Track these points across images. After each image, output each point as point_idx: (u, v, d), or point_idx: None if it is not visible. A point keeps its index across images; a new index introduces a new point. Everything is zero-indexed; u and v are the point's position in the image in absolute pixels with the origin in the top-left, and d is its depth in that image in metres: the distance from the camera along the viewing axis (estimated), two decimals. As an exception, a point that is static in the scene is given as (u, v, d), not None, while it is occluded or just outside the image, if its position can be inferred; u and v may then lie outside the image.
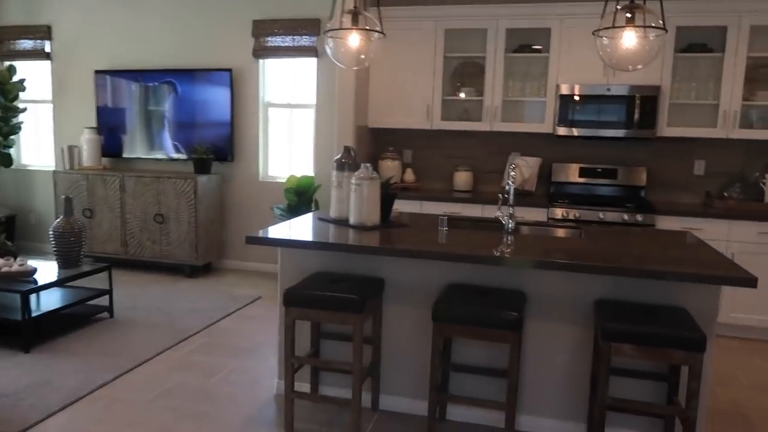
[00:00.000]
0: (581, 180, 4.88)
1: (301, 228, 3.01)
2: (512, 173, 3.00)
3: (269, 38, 5.50)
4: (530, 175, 4.89)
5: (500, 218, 3.06)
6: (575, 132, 4.56)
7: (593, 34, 2.74)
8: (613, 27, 2.57)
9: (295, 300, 2.64)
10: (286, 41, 5.45)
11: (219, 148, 5.71)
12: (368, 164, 3.00)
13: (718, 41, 4.45)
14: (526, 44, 4.82)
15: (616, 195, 4.82)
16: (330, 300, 2.59)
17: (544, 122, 4.72)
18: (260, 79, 5.67)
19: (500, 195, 3.12)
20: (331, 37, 2.87)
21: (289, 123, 5.75)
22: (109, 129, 6.04)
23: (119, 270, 5.75)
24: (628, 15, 2.59)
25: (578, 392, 2.79)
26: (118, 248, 5.73)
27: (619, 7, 2.63)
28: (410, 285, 2.92)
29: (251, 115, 5.72)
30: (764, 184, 4.42)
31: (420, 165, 5.33)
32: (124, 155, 6.04)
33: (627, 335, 2.33)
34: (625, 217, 4.32)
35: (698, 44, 4.46)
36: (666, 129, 4.48)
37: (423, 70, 4.89)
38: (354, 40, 2.85)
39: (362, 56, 2.88)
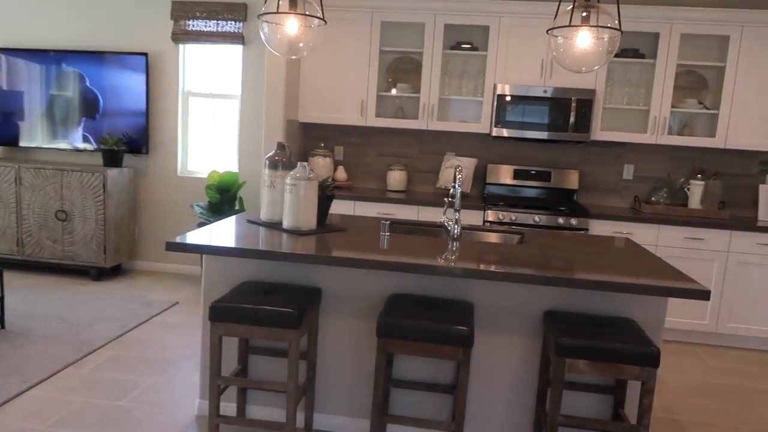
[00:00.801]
0: (515, 182, 4.83)
1: (227, 232, 2.70)
2: (459, 176, 2.83)
3: (190, 21, 5.07)
4: (465, 176, 4.78)
5: (446, 223, 2.89)
6: (511, 133, 4.49)
7: (547, 32, 2.62)
8: (570, 26, 2.45)
9: (223, 315, 2.34)
10: (209, 26, 5.04)
11: (132, 140, 5.22)
12: (305, 163, 2.73)
13: (651, 48, 4.51)
14: (464, 41, 4.70)
15: (549, 197, 4.80)
16: (263, 314, 2.32)
17: (480, 122, 4.62)
18: (180, 66, 5.22)
19: (446, 199, 2.95)
20: (266, 21, 2.58)
21: (212, 114, 5.34)
22: (3, 114, 5.37)
23: (13, 272, 5.14)
24: (584, 14, 2.48)
25: (524, 406, 2.66)
26: (12, 248, 5.11)
27: (575, 5, 2.52)
28: (350, 295, 2.69)
29: (169, 104, 5.27)
30: (688, 189, 4.54)
31: (352, 163, 5.10)
32: (21, 144, 5.40)
33: (581, 351, 2.22)
34: (560, 220, 4.29)
35: (632, 49, 4.50)
36: (599, 133, 4.49)
37: (358, 64, 4.66)
38: (291, 26, 2.57)
39: (300, 44, 2.61)
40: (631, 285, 2.23)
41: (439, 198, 4.59)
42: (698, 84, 4.61)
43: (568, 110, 4.41)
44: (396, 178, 4.85)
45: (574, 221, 4.28)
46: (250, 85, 5.10)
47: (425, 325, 2.27)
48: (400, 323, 2.28)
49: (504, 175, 4.84)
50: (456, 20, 4.52)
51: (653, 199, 4.66)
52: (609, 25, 2.40)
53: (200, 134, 5.37)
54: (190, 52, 5.25)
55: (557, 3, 4.38)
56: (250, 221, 2.98)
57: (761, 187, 4.57)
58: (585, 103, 4.40)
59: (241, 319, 2.33)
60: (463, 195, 4.79)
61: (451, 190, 2.99)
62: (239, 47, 5.10)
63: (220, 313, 2.34)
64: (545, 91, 4.42)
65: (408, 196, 4.61)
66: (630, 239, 3.23)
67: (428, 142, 5.00)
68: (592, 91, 4.39)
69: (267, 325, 2.32)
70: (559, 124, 4.44)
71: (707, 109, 4.50)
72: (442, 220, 2.90)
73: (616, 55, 4.49)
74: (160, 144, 5.32)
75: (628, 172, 4.82)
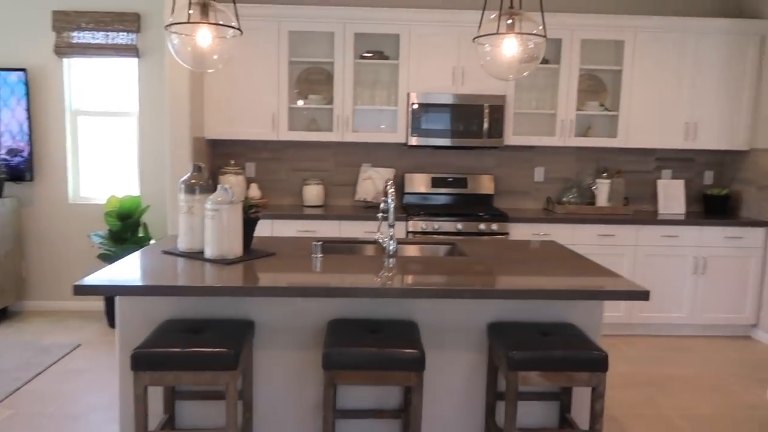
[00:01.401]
0: (433, 190, 4.82)
1: (142, 267, 2.43)
2: (390, 189, 2.73)
3: (75, 33, 4.62)
4: (383, 186, 4.70)
5: (380, 240, 2.77)
6: (427, 141, 4.47)
7: (473, 41, 2.58)
8: (497, 33, 2.43)
9: (147, 362, 2.07)
10: (98, 38, 4.62)
11: (13, 166, 4.67)
12: (226, 185, 2.51)
13: (555, 54, 4.67)
14: (375, 50, 4.63)
15: (467, 203, 4.83)
16: (194, 358, 2.08)
17: (396, 132, 4.56)
18: (65, 82, 4.74)
19: (379, 216, 2.83)
20: (175, 33, 2.35)
21: (106, 134, 4.90)
22: None
23: None
24: (509, 21, 2.46)
25: (474, 422, 2.60)
26: None
27: (500, 13, 2.50)
28: (286, 325, 2.50)
29: (55, 124, 4.77)
30: (595, 188, 4.74)
31: (265, 179, 4.87)
32: None
33: (533, 363, 2.18)
34: (481, 226, 4.32)
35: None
36: (512, 137, 4.58)
37: (266, 75, 4.45)
38: (204, 37, 2.35)
39: (214, 57, 2.40)
40: (577, 292, 2.22)
41: (359, 211, 4.48)
42: (598, 87, 4.83)
43: (482, 116, 4.45)
44: (312, 192, 4.68)
45: (494, 226, 4.32)
46: (147, 101, 4.73)
47: (374, 352, 2.14)
48: (348, 353, 2.13)
49: (421, 183, 4.82)
50: (366, 29, 4.43)
51: (564, 199, 4.82)
52: (534, 32, 2.40)
53: (93, 156, 4.91)
54: (76, 66, 4.79)
55: (466, 10, 4.43)
56: (166, 252, 2.70)
57: (659, 182, 4.86)
58: (497, 109, 4.46)
59: (169, 365, 2.08)
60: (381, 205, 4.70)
61: (382, 204, 2.88)
62: (134, 60, 4.71)
63: (144, 361, 2.08)
64: (458, 99, 4.44)
65: (327, 211, 4.46)
66: (555, 242, 3.29)
67: (344, 153, 4.87)
68: (503, 97, 4.46)
69: (200, 368, 2.08)
70: (473, 131, 4.47)
71: (608, 110, 4.73)
72: (376, 236, 2.78)
73: (525, 61, 4.60)
74: (46, 169, 4.80)
75: (539, 174, 4.96)
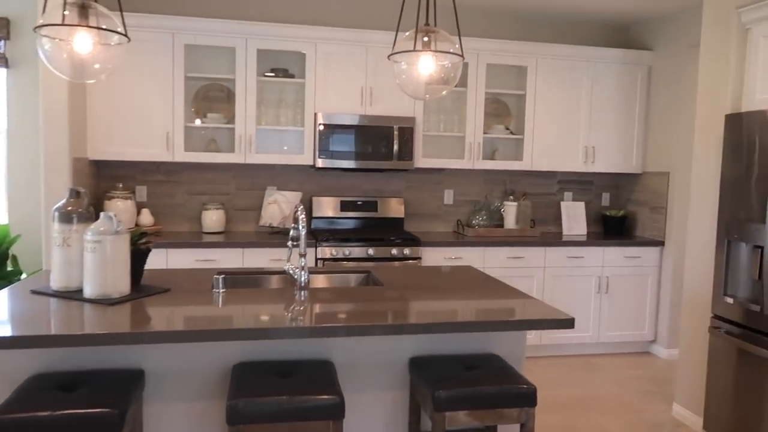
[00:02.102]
0: (342, 214, 4.63)
1: (5, 309, 2.02)
2: (300, 216, 2.50)
3: (-72, 38, 4.01)
4: (291, 211, 4.45)
5: (290, 270, 2.53)
6: (336, 164, 4.28)
7: (389, 58, 2.44)
8: (414, 51, 2.30)
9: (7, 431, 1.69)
10: (-43, 44, 4.04)
11: None
12: (111, 213, 2.18)
13: (461, 77, 4.66)
14: (280, 68, 4.40)
15: (378, 227, 4.68)
16: (68, 422, 1.72)
17: (303, 153, 4.34)
18: None
19: (289, 244, 2.58)
20: (47, 36, 2.00)
21: (-33, 153, 4.27)
22: None
23: None
24: (425, 39, 2.35)
25: (396, 467, 2.40)
26: None
27: (417, 30, 2.37)
28: (183, 374, 2.18)
29: None
30: (503, 210, 4.76)
31: (159, 204, 4.45)
32: None
33: (461, 402, 2.03)
34: (393, 251, 4.18)
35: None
36: (421, 160, 4.51)
37: (160, 91, 4.08)
38: (83, 42, 2.03)
39: (96, 66, 2.07)
40: (504, 323, 2.10)
41: (264, 237, 4.19)
42: (503, 111, 4.89)
43: (391, 138, 4.34)
44: (212, 218, 4.34)
45: (407, 250, 4.19)
46: (19, 116, 4.18)
47: (287, 401, 1.89)
48: (256, 404, 1.87)
49: (330, 207, 4.61)
50: (269, 45, 4.20)
51: (474, 221, 4.80)
52: (451, 50, 2.30)
53: (-49, 179, 4.26)
54: (-71, 76, 4.15)
55: (374, 30, 4.33)
56: (35, 292, 2.30)
57: (562, 204, 4.98)
58: (406, 130, 4.37)
59: (35, 433, 1.71)
60: (289, 231, 4.44)
61: (292, 231, 2.64)
62: (2, 71, 4.16)
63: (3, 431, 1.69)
64: (367, 120, 4.31)
65: (228, 238, 4.13)
66: (471, 266, 3.20)
67: (246, 176, 4.57)
68: (413, 119, 4.38)
69: (74, 435, 1.73)
70: (382, 153, 4.35)
71: (513, 134, 4.79)
72: (286, 267, 2.53)
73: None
74: None
75: (448, 197, 4.92)
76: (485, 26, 4.86)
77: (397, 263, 4.17)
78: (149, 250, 2.46)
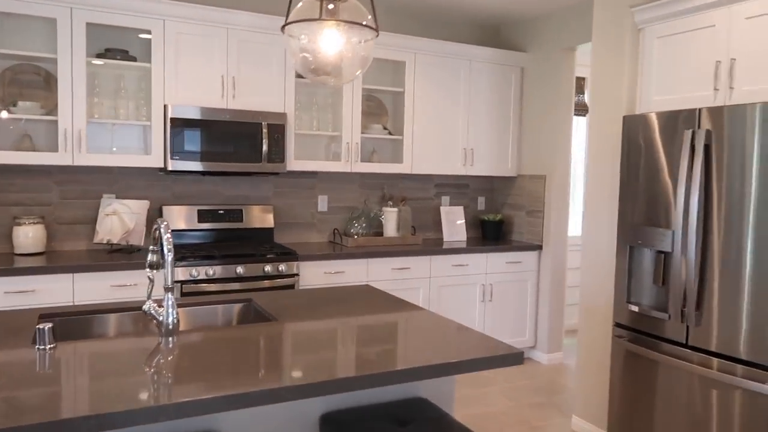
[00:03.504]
0: (201, 225, 3.91)
1: None
2: (166, 235, 1.83)
3: None
4: (136, 223, 3.63)
5: (151, 311, 1.86)
6: (193, 166, 3.57)
7: (282, 30, 1.88)
8: (318, 19, 1.77)
9: None
10: None
11: None
12: None
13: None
14: (118, 48, 3.57)
15: (244, 240, 4.03)
16: None
17: (151, 153, 3.55)
18: None
19: (149, 275, 1.90)
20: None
21: None
22: None
23: None
24: (330, 6, 1.83)
25: None
26: None
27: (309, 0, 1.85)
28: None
29: None
30: (383, 217, 4.38)
31: (-51, 219, 3.38)
32: None
33: (403, 475, 1.55)
34: (267, 268, 3.58)
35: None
36: (294, 162, 3.95)
37: (-54, 70, 3.07)
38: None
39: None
40: (443, 366, 1.66)
41: (101, 258, 3.35)
42: (379, 109, 4.50)
43: (259, 137, 3.73)
44: (28, 235, 3.38)
45: (282, 267, 3.61)
46: None
47: None
48: None
49: (186, 218, 3.87)
50: (102, 19, 3.37)
51: (352, 230, 4.35)
52: (364, 22, 1.81)
53: None
54: None
55: (238, 11, 3.71)
56: None
57: (442, 209, 4.72)
58: (277, 128, 3.79)
59: None
60: (134, 249, 3.63)
61: (151, 256, 1.97)
62: None
63: None
64: (230, 115, 3.65)
65: (51, 260, 3.23)
66: (370, 285, 2.74)
67: (75, 181, 3.66)
68: (284, 115, 3.81)
69: None
70: (248, 154, 3.72)
71: (391, 134, 4.42)
72: (146, 307, 1.86)
73: (300, 77, 4.03)
74: None
75: (322, 203, 4.42)
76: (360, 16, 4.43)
77: (269, 282, 3.58)
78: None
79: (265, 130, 3.73)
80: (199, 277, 3.40)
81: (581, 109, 5.52)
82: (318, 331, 1.94)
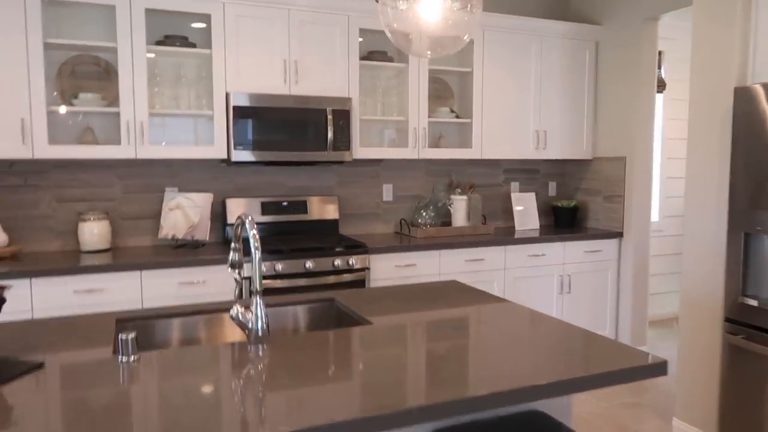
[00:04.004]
0: (265, 218, 3.76)
1: None
2: (251, 231, 1.64)
3: None
4: (201, 218, 3.50)
5: (239, 318, 1.67)
6: (257, 157, 3.40)
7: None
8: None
9: None
10: None
11: None
12: None
13: (398, 51, 3.96)
14: (177, 35, 3.43)
15: (310, 233, 3.86)
16: None
17: (213, 145, 3.40)
18: None
19: (235, 277, 1.73)
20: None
21: None
22: None
23: None
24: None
25: None
26: None
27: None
28: None
29: None
30: (452, 206, 4.13)
31: (15, 217, 3.31)
32: None
33: None
34: (337, 262, 3.39)
35: (379, 52, 3.87)
36: (360, 150, 3.74)
37: (9, 64, 2.97)
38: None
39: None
40: (578, 381, 1.43)
41: (167, 254, 3.22)
42: (444, 91, 4.25)
43: (324, 124, 3.54)
44: (93, 231, 3.29)
45: (352, 260, 3.42)
46: None
47: None
48: None
49: (249, 210, 3.72)
50: (162, 4, 3.22)
51: (420, 220, 4.12)
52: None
53: None
54: None
55: None
56: None
57: (513, 196, 4.44)
58: (342, 114, 3.59)
59: None
60: (199, 244, 3.50)
61: (233, 255, 1.78)
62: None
63: None
64: (293, 101, 3.46)
65: (118, 257, 3.12)
66: (457, 281, 2.51)
67: (137, 175, 3.55)
68: (349, 100, 3.61)
69: None
70: (314, 142, 3.53)
71: (459, 117, 4.16)
72: (233, 313, 1.68)
73: (364, 58, 3.81)
74: None
75: (387, 192, 4.20)
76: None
77: (338, 277, 3.39)
78: (3, 300, 1.50)
79: (330, 117, 3.53)
80: (267, 273, 3.24)
81: (658, 86, 5.13)
82: (422, 337, 1.72)
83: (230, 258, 1.80)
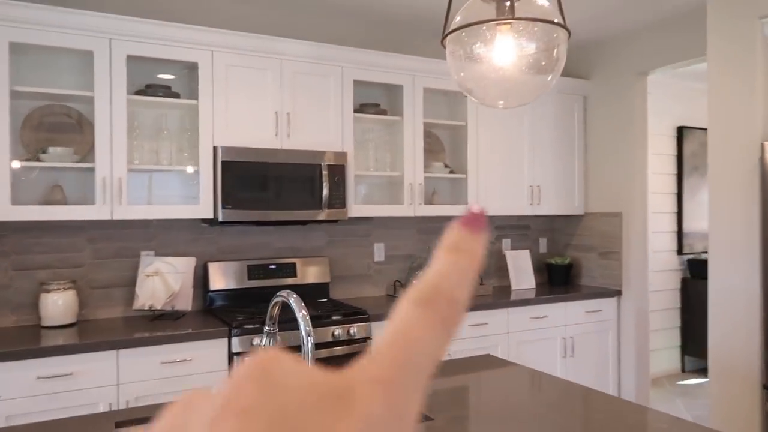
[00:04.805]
0: (252, 283, 3.41)
1: None
2: (300, 312, 1.35)
3: None
4: (182, 285, 3.12)
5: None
6: (247, 216, 3.10)
7: (442, 42, 1.45)
8: (499, 20, 1.34)
9: None
10: None
11: None
12: None
13: (391, 102, 3.79)
14: (160, 84, 3.14)
15: (301, 299, 3.52)
16: None
17: (199, 203, 3.08)
18: None
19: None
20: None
21: None
22: None
23: None
24: (507, 2, 1.40)
25: None
26: None
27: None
28: None
29: None
30: (448, 265, 3.89)
31: (-37, 288, 2.86)
32: None
33: None
34: (337, 332, 3.07)
35: (372, 104, 3.69)
36: (354, 207, 3.49)
37: (-34, 112, 2.60)
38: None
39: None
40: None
41: (145, 327, 2.82)
42: (437, 146, 4.08)
43: (319, 180, 3.28)
44: (57, 303, 2.86)
45: (353, 330, 3.11)
46: None
47: None
48: None
49: (235, 275, 3.37)
50: (143, 50, 2.94)
51: (415, 282, 3.85)
52: (556, 19, 1.38)
53: None
54: None
55: (289, 39, 3.31)
56: None
57: (507, 254, 4.26)
58: (337, 170, 3.35)
59: None
60: (179, 315, 3.11)
61: (267, 340, 1.48)
62: None
63: None
64: (286, 156, 3.20)
65: (86, 334, 2.70)
66: (490, 354, 2.25)
67: (110, 238, 3.16)
68: (344, 155, 3.38)
69: None
70: (308, 200, 3.26)
71: (453, 172, 3.99)
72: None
73: (356, 110, 3.61)
74: None
75: (379, 252, 3.94)
76: (417, 45, 4.06)
77: (339, 349, 3.06)
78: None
79: (325, 172, 3.28)
80: (261, 345, 2.88)
81: (638, 140, 5.15)
82: (472, 421, 1.44)
83: (260, 343, 1.49)
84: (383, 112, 3.71)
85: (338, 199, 3.35)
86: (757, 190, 2.70)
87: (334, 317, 3.10)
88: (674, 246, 5.33)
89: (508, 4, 1.40)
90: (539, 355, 3.80)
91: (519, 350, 3.72)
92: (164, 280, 3.09)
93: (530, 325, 3.76)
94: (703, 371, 5.38)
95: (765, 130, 2.72)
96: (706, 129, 5.46)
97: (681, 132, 5.36)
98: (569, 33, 1.38)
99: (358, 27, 3.86)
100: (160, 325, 2.87)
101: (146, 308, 3.04)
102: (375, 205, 3.60)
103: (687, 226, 5.36)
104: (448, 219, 4.07)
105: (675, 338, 5.34)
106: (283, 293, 1.42)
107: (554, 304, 3.85)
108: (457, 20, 1.42)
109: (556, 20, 1.37)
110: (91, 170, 2.89)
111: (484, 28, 1.38)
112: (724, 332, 2.82)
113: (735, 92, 2.81)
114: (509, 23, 1.41)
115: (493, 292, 4.01)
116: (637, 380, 4.09)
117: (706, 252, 5.44)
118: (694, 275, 5.27)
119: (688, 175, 5.39)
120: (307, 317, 1.35)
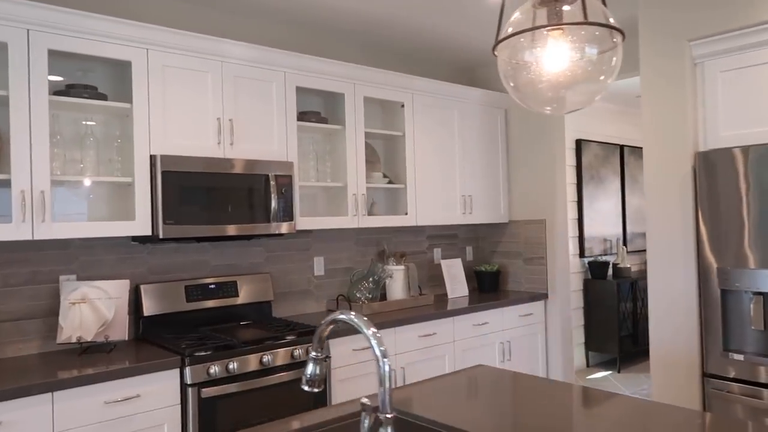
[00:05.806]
0: (191, 306, 3.10)
1: None
2: (369, 330, 1.20)
3: None
4: (116, 311, 2.75)
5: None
6: (190, 232, 2.81)
7: (492, 51, 1.38)
8: (552, 26, 1.30)
9: None
10: None
11: None
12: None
13: (332, 111, 3.66)
14: (87, 84, 2.76)
15: (242, 319, 3.27)
16: None
17: (135, 219, 2.73)
18: None
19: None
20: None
21: None
22: None
23: None
24: (558, 9, 1.38)
25: None
26: None
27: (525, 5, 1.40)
28: None
29: None
30: (391, 277, 3.83)
31: None
32: None
33: None
34: (297, 352, 2.87)
35: (313, 112, 3.53)
36: (300, 220, 3.31)
37: None
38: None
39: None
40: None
41: (70, 362, 2.43)
42: (372, 156, 4.00)
43: (267, 192, 3.07)
44: (-41, 342, 2.38)
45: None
46: None
47: None
48: None
49: (171, 298, 3.04)
50: (70, 45, 2.57)
51: (358, 295, 3.74)
52: (611, 20, 1.37)
53: None
54: None
55: (234, 41, 3.07)
56: None
57: (442, 263, 4.28)
58: (284, 180, 3.15)
59: None
60: (112, 346, 2.73)
61: (313, 368, 1.31)
62: None
63: None
64: (230, 166, 2.96)
65: (5, 379, 2.27)
66: (484, 365, 2.21)
67: (21, 262, 2.70)
68: (290, 165, 3.19)
69: None
70: (256, 213, 3.03)
71: (391, 182, 3.93)
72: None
73: (298, 119, 3.44)
74: None
75: (319, 266, 3.77)
76: (356, 53, 3.96)
77: (299, 371, 2.87)
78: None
79: (273, 183, 3.07)
80: (219, 376, 2.61)
81: (547, 151, 5.45)
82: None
83: (309, 372, 1.32)
84: (324, 121, 3.57)
85: (286, 211, 3.15)
86: (690, 196, 2.94)
87: (288, 337, 2.89)
88: (577, 250, 5.69)
89: (566, 9, 1.37)
90: (482, 360, 3.84)
91: (464, 357, 3.74)
92: (94, 307, 2.70)
93: (473, 332, 3.80)
94: (604, 364, 5.79)
95: (695, 141, 2.98)
96: (600, 142, 5.94)
97: (579, 144, 5.75)
98: (623, 35, 1.38)
99: (299, 34, 3.70)
100: (93, 360, 2.49)
101: (74, 341, 2.62)
102: (319, 217, 3.43)
103: (587, 231, 5.75)
104: (384, 230, 4.03)
105: (580, 336, 5.69)
106: (342, 312, 1.26)
107: (493, 311, 3.93)
108: (509, 30, 1.37)
109: (611, 21, 1.36)
110: (6, 183, 2.45)
111: (544, 32, 1.34)
112: (665, 331, 3.04)
113: (667, 108, 3.05)
114: (561, 29, 1.39)
115: (434, 302, 3.99)
116: (564, 376, 4.28)
117: (603, 254, 5.89)
118: (594, 276, 5.67)
119: (586, 183, 5.79)
120: (380, 337, 1.21)
